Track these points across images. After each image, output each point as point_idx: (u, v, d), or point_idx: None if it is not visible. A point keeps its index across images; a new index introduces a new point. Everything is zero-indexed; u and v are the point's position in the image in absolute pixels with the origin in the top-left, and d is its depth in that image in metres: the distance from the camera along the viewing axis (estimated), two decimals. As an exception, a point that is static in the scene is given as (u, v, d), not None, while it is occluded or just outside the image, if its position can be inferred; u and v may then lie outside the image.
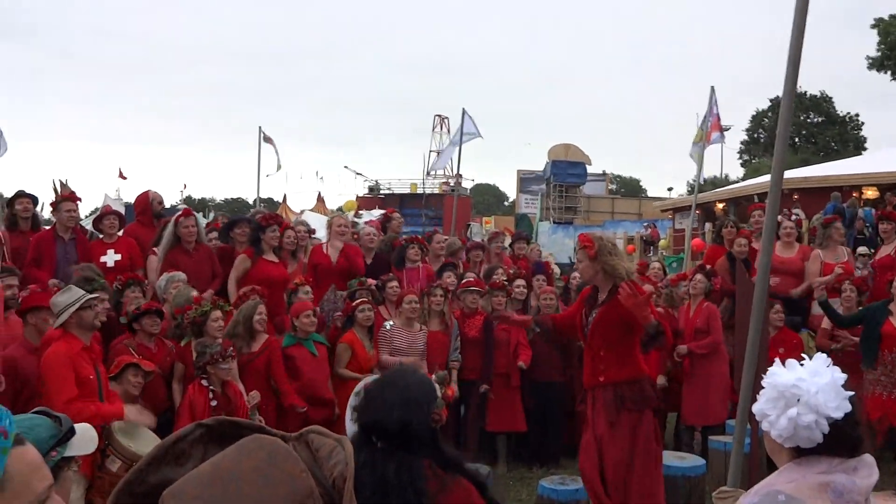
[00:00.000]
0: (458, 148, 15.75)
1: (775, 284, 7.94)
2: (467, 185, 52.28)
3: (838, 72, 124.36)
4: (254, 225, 7.75)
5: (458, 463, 2.49)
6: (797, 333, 7.92)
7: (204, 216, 17.40)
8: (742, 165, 61.19)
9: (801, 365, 2.32)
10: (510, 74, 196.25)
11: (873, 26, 44.51)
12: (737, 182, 47.75)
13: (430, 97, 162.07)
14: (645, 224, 31.91)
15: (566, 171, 41.66)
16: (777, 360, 2.39)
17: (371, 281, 7.62)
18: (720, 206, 29.92)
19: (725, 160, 60.85)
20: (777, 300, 7.75)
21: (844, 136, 58.30)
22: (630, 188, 79.11)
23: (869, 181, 24.34)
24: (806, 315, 8.45)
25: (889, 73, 44.88)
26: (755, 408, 2.37)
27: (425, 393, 2.49)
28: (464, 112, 15.51)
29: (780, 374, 2.31)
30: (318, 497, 1.14)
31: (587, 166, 43.53)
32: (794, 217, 9.15)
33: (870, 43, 45.82)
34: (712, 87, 14.66)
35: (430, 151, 60.15)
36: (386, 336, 7.10)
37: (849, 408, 2.23)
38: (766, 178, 8.97)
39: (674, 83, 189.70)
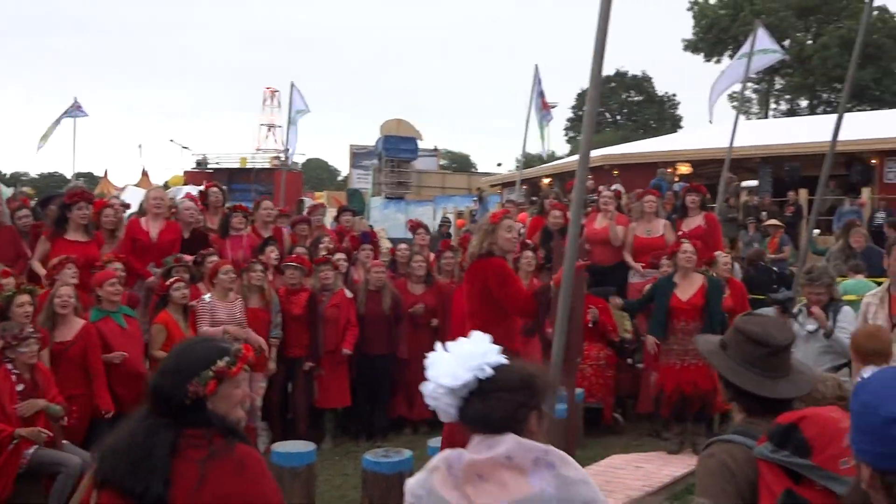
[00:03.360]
0: (295, 125, 15.56)
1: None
2: (298, 159, 51.49)
3: (658, 53, 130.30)
4: (60, 203, 7.34)
5: (235, 430, 2.37)
6: (605, 300, 8.21)
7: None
8: (567, 142, 63.11)
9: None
10: (343, 48, 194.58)
11: (689, 9, 46.81)
12: (562, 158, 49.27)
13: (260, 70, 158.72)
14: (474, 199, 32.39)
15: (398, 146, 41.64)
16: None
17: (188, 257, 7.35)
18: (546, 181, 30.77)
19: (552, 137, 62.47)
20: (587, 273, 8.00)
21: (662, 114, 61.06)
22: (461, 164, 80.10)
23: (683, 157, 25.65)
24: (623, 285, 8.81)
25: (703, 54, 47.38)
26: None
27: (191, 362, 2.35)
28: (292, 86, 15.30)
29: None
30: None
31: (418, 141, 43.71)
32: (613, 188, 9.57)
33: (687, 25, 48.23)
34: (536, 66, 15.09)
35: (261, 125, 59.10)
36: (206, 308, 6.89)
37: (468, 378, 2.23)
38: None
39: (504, 61, 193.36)
